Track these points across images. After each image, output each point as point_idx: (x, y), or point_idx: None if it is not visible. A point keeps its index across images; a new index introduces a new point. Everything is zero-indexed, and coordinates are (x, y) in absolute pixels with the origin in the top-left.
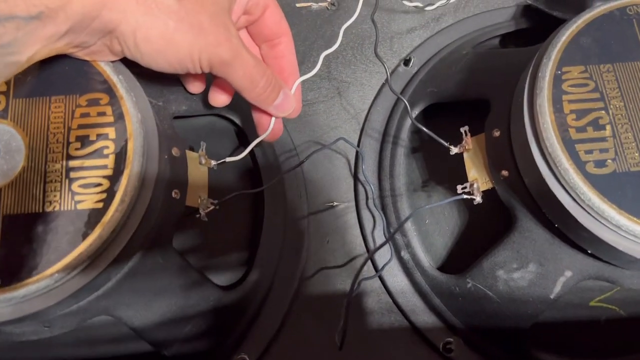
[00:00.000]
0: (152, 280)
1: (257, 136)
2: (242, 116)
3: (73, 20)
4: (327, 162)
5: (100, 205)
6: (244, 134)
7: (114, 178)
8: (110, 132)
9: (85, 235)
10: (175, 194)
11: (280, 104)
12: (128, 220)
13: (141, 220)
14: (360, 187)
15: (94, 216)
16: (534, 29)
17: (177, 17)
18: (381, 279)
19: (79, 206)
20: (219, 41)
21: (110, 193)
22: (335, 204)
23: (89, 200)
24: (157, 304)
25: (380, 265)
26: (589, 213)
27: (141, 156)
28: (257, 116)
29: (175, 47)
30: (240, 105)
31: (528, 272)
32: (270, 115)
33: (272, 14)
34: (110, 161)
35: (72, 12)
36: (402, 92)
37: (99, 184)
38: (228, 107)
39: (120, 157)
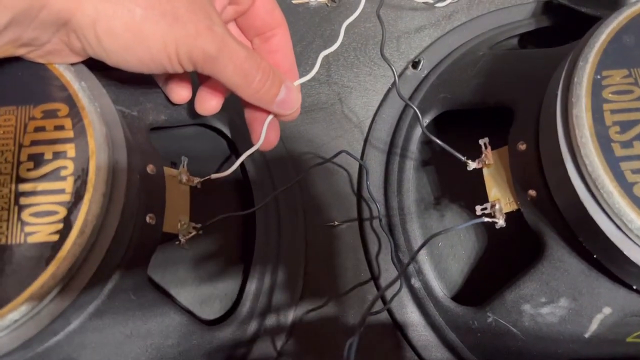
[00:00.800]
0: (122, 320)
1: (249, 148)
2: (231, 125)
3: (13, 10)
4: (327, 177)
5: (56, 237)
6: (234, 146)
7: (73, 205)
8: (70, 149)
9: (36, 275)
10: (150, 219)
11: (283, 100)
12: (90, 254)
13: (106, 253)
14: (364, 205)
15: (48, 251)
16: (557, 28)
17: (145, 3)
18: (389, 311)
19: (30, 239)
20: (198, 30)
21: (67, 223)
22: (336, 223)
23: (42, 232)
24: (129, 347)
25: (388, 296)
26: (637, 244)
27: (106, 177)
28: (250, 119)
29: (146, 40)
30: (229, 113)
31: (559, 307)
32: (268, 115)
33: (264, 2)
34: (68, 184)
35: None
36: (410, 98)
37: (55, 212)
38: (215, 116)
39: (81, 179)
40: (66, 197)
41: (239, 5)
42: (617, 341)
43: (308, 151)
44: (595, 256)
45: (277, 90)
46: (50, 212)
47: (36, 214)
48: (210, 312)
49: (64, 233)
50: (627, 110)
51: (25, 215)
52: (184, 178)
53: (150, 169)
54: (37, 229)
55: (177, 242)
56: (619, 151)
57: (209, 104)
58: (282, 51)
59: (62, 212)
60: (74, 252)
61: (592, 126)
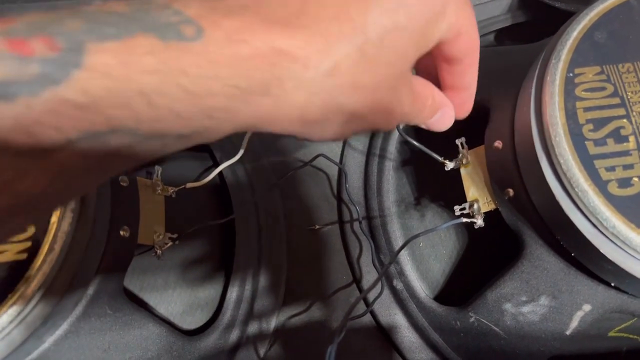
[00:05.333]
0: (99, 336)
1: (226, 155)
2: None
3: (224, 135)
4: (306, 181)
5: (24, 256)
6: (210, 152)
7: (41, 222)
8: None
9: (4, 295)
10: (123, 231)
11: (432, 122)
12: (61, 272)
13: (78, 269)
14: (344, 208)
15: (17, 271)
16: (533, 23)
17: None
18: (372, 313)
19: None
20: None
21: (35, 240)
22: (317, 227)
23: (9, 251)
24: None
25: (370, 298)
26: (613, 242)
27: None
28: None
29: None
30: None
31: (540, 305)
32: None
33: (464, 38)
34: None
35: (227, 130)
36: None
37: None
38: None
39: None
40: None
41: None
42: (599, 336)
43: (287, 155)
44: (573, 254)
45: (431, 116)
46: None
47: None
48: (191, 322)
49: (32, 251)
50: (600, 108)
51: None
52: (159, 188)
53: (122, 180)
54: (5, 248)
55: (153, 254)
56: (592, 149)
57: None
58: (465, 76)
59: (30, 229)
60: (43, 270)
61: (565, 124)
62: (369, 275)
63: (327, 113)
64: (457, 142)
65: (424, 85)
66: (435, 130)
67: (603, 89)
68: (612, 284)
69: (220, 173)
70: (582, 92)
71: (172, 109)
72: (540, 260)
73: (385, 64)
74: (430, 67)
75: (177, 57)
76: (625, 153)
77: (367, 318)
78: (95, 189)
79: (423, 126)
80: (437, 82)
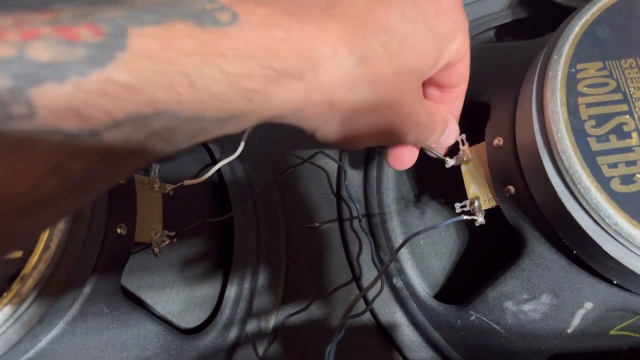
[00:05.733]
0: (96, 334)
1: (225, 152)
2: None
3: (256, 122)
4: (305, 179)
5: (19, 254)
6: (208, 149)
7: None
8: None
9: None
10: (120, 229)
11: (444, 140)
12: (57, 270)
13: (75, 267)
14: (344, 206)
15: (11, 268)
16: (533, 19)
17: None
18: (372, 312)
19: None
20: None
21: None
22: (316, 224)
23: None
24: None
25: (370, 297)
26: (615, 239)
27: None
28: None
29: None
30: None
31: (541, 303)
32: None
33: (461, 67)
34: None
35: (260, 117)
36: None
37: None
38: None
39: None
40: None
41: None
42: (601, 334)
43: (286, 152)
44: (575, 252)
45: (438, 138)
46: None
47: None
48: (190, 321)
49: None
50: (602, 104)
51: None
52: (156, 185)
53: None
54: None
55: (150, 252)
56: (595, 145)
57: (405, 159)
58: (453, 104)
59: None
60: (39, 268)
61: (567, 120)
62: (369, 273)
63: (354, 102)
64: (458, 139)
65: (434, 103)
66: (442, 147)
67: (605, 84)
68: (614, 282)
69: (219, 170)
70: (584, 88)
71: (211, 90)
72: (541, 257)
73: (404, 63)
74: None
75: (214, 40)
76: (628, 149)
77: (367, 316)
78: (133, 174)
79: (434, 145)
80: None
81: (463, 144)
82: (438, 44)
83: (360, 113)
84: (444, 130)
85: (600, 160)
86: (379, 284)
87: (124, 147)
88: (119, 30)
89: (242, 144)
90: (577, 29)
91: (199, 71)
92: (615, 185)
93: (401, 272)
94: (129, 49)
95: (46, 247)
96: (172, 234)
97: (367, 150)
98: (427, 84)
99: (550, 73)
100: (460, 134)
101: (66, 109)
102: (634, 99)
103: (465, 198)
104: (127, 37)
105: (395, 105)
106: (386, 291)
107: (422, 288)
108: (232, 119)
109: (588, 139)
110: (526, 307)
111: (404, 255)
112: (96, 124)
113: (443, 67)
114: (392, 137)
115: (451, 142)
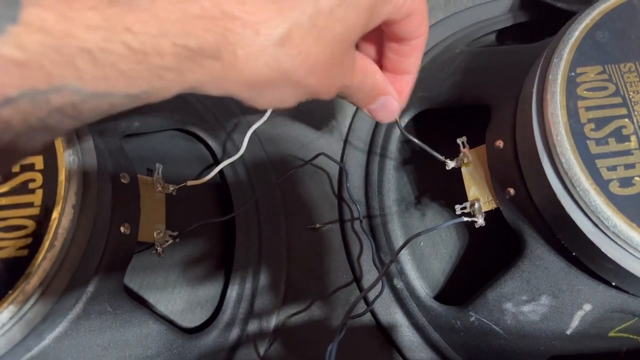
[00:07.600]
0: (99, 333)
1: (227, 153)
2: (209, 130)
3: (172, 95)
4: (307, 180)
5: (25, 252)
6: (211, 150)
7: (42, 218)
8: (37, 161)
9: (4, 291)
10: (124, 229)
11: (375, 109)
12: (61, 268)
13: (79, 266)
14: (345, 207)
15: (17, 267)
16: (534, 23)
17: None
18: (372, 312)
19: None
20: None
21: (36, 237)
22: (317, 226)
23: (10, 247)
24: None
25: (370, 297)
26: (614, 241)
27: (76, 189)
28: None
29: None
30: (206, 117)
31: (540, 305)
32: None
33: (415, 19)
34: (36, 197)
35: (175, 91)
36: None
37: (23, 227)
38: (191, 120)
39: (50, 191)
40: (35, 211)
41: (387, 25)
42: (599, 336)
43: (288, 153)
44: (574, 254)
45: (372, 102)
46: (19, 226)
47: (4, 229)
48: (192, 320)
49: (33, 248)
50: (602, 107)
51: None
52: (160, 185)
53: (123, 177)
54: (5, 244)
55: (153, 252)
56: (594, 148)
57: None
58: (410, 59)
59: (31, 226)
60: (44, 266)
61: (567, 124)
62: (369, 274)
63: (275, 80)
64: (458, 141)
65: (367, 62)
66: (378, 119)
67: (605, 88)
68: (613, 284)
69: (221, 171)
70: (584, 92)
71: (117, 67)
72: (541, 259)
73: (334, 35)
74: (375, 50)
75: (122, 14)
76: (627, 152)
77: (368, 317)
78: (43, 148)
79: (365, 111)
80: (380, 67)
81: (464, 146)
82: (370, 6)
83: (280, 88)
84: (372, 98)
85: (599, 163)
86: (379, 284)
87: (24, 123)
88: None
89: (244, 145)
90: (577, 33)
91: (103, 46)
92: (614, 187)
93: (402, 273)
94: (22, 21)
95: (51, 246)
96: (175, 234)
97: (368, 152)
98: (383, 37)
99: (550, 76)
100: (460, 137)
101: None
102: (632, 103)
103: (466, 200)
104: (20, 7)
105: (319, 79)
106: (387, 292)
107: (423, 289)
108: (145, 94)
109: (587, 141)
110: (525, 308)
111: (405, 256)
112: None
113: (388, 24)
114: (311, 97)
115: (387, 116)
